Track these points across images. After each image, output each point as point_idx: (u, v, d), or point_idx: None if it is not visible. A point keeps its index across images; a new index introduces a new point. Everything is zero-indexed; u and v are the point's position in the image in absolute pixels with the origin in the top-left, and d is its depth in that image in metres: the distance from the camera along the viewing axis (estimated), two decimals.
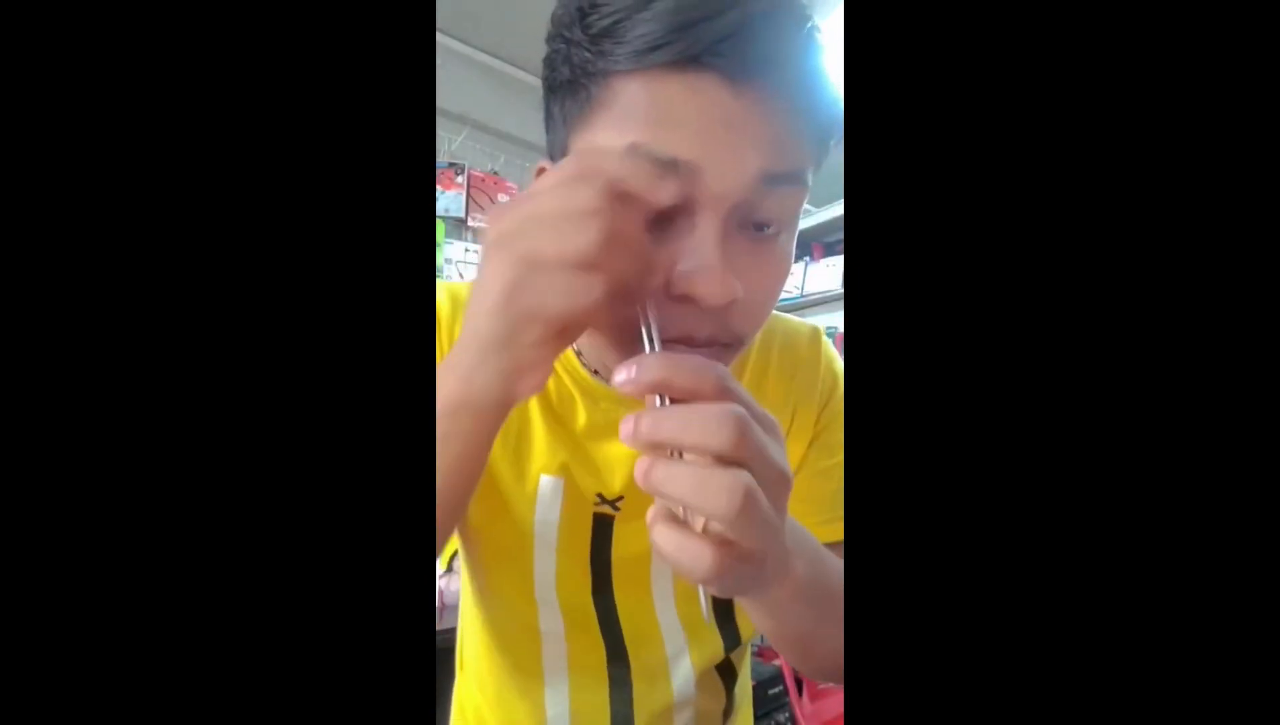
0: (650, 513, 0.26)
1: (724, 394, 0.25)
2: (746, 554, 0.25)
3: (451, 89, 1.87)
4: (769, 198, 0.31)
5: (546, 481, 0.45)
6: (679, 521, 0.25)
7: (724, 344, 0.33)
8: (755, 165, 0.30)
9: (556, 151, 0.35)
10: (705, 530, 0.25)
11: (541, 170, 0.38)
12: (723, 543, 0.24)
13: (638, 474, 0.25)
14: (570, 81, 0.32)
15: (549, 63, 0.34)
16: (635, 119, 0.30)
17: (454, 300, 0.46)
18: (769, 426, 0.26)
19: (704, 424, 0.24)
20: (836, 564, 0.38)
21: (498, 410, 0.29)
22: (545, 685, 0.50)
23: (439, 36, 1.84)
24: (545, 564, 0.47)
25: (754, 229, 0.32)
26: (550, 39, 0.34)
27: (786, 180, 0.31)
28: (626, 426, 0.25)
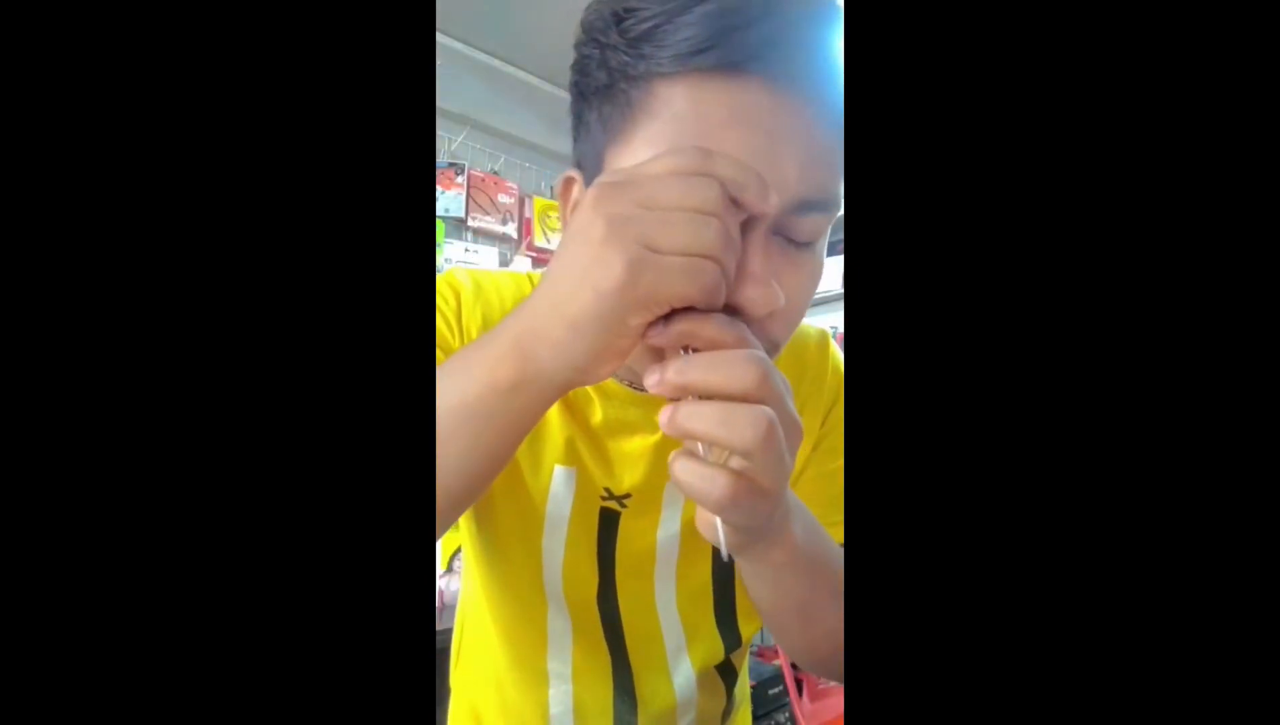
0: (671, 455, 0.27)
1: (747, 345, 0.26)
2: (761, 490, 0.26)
3: (451, 89, 1.87)
4: (802, 223, 0.31)
5: (560, 471, 0.46)
6: (699, 457, 0.27)
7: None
8: (794, 189, 0.30)
9: (589, 160, 0.35)
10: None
11: (570, 180, 0.37)
12: (739, 475, 0.26)
13: (662, 420, 0.26)
14: (608, 86, 0.32)
15: (580, 68, 0.34)
16: (680, 128, 0.29)
17: (476, 284, 0.46)
18: (784, 382, 0.27)
19: (729, 366, 0.25)
20: (830, 541, 0.39)
21: (560, 391, 0.30)
22: (550, 685, 0.51)
23: (439, 36, 1.84)
24: (554, 556, 0.48)
25: (790, 238, 0.32)
26: (581, 44, 0.34)
27: (819, 207, 0.31)
28: (653, 376, 0.26)
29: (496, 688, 0.53)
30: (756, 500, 0.26)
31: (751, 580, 0.37)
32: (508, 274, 0.49)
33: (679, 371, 0.26)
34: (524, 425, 0.31)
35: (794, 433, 0.27)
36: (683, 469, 0.26)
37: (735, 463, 0.26)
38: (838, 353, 0.52)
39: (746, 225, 0.29)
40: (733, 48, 0.28)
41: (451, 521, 0.35)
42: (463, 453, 0.30)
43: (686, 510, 0.48)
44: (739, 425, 0.24)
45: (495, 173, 2.00)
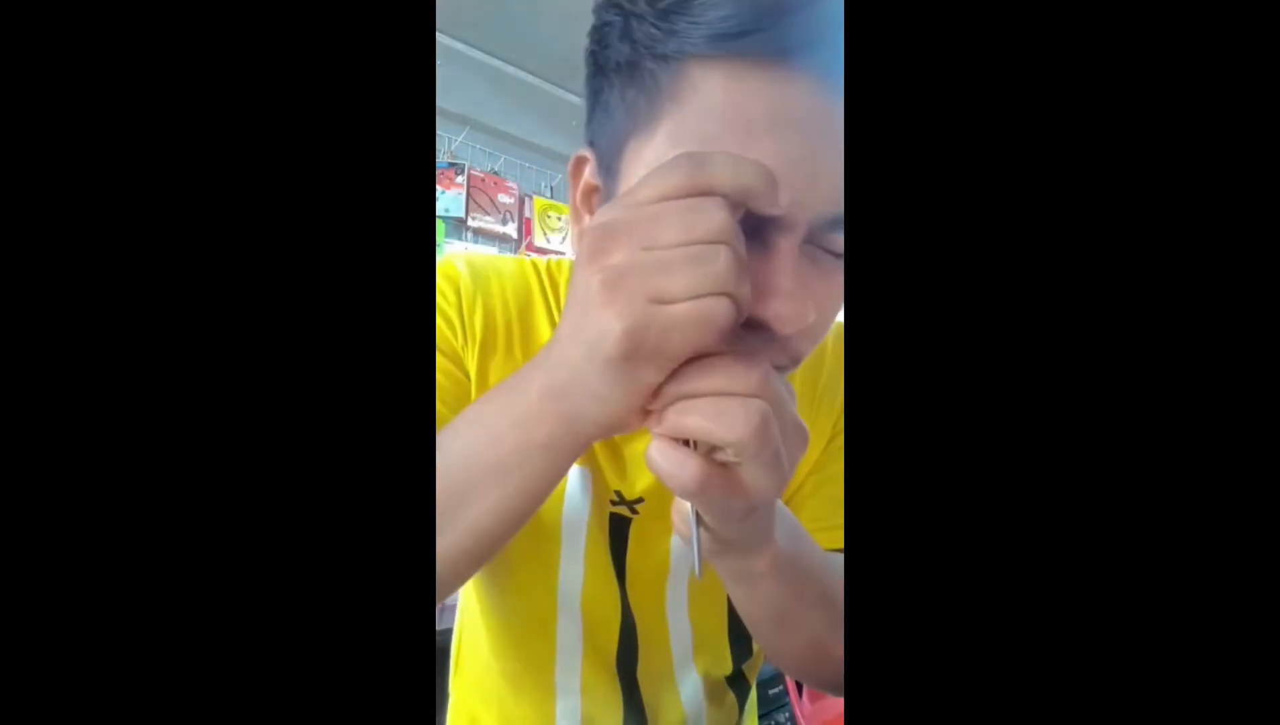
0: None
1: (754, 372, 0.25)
2: (741, 486, 0.25)
3: (451, 89, 1.87)
4: (836, 239, 0.29)
5: (575, 471, 0.44)
6: (676, 442, 0.25)
7: (780, 367, 0.31)
8: (832, 203, 0.27)
9: (607, 145, 0.31)
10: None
11: (581, 160, 0.34)
12: (714, 462, 0.24)
13: (652, 423, 0.25)
14: (631, 64, 0.28)
15: (599, 38, 0.30)
16: (714, 122, 0.26)
17: (473, 272, 0.44)
18: (789, 388, 0.26)
19: (727, 371, 0.24)
20: (817, 551, 0.37)
21: (591, 442, 0.28)
22: (557, 698, 0.49)
23: (439, 36, 1.84)
24: (572, 566, 0.46)
25: (823, 250, 0.30)
26: (601, 9, 0.30)
27: None
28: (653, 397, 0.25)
29: (496, 699, 0.51)
30: (732, 495, 0.25)
31: (730, 584, 0.36)
32: (509, 261, 0.46)
33: (676, 380, 0.24)
34: (555, 479, 0.29)
35: (797, 438, 0.25)
36: (655, 450, 0.25)
37: (728, 454, 0.24)
38: None
39: (777, 235, 0.27)
40: (781, 34, 0.25)
41: (471, 574, 0.33)
42: (491, 510, 0.28)
43: None
44: (731, 416, 0.23)
45: (495, 173, 2.00)
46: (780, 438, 0.24)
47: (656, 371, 0.24)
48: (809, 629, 0.36)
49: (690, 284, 0.22)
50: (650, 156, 0.28)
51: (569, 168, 0.36)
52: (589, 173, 0.34)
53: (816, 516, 0.45)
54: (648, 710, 0.50)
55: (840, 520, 0.45)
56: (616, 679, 0.49)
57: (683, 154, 0.24)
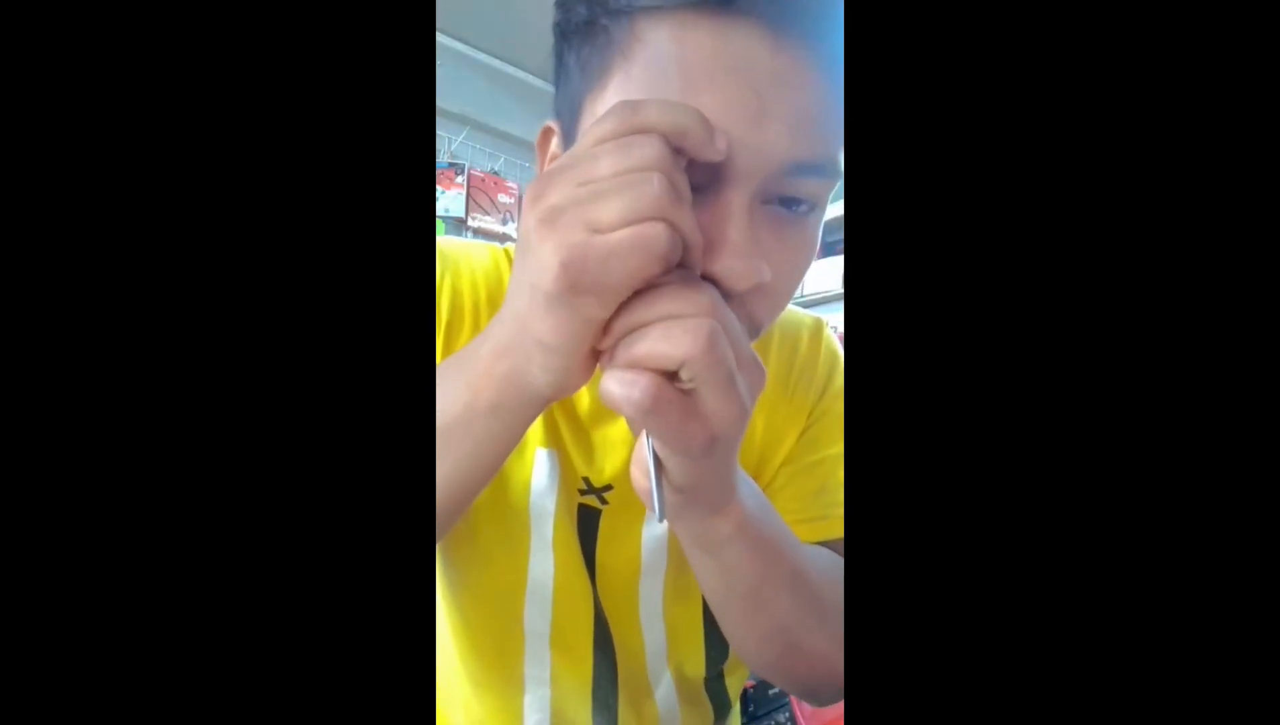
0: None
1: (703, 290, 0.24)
2: (695, 410, 0.24)
3: (451, 89, 1.87)
4: (797, 184, 0.28)
5: (542, 454, 0.44)
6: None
7: None
8: (784, 151, 0.27)
9: (566, 109, 0.32)
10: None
11: (548, 131, 0.35)
12: (666, 381, 0.24)
13: (603, 360, 0.24)
14: (588, 23, 0.29)
15: (562, 4, 0.31)
16: (660, 73, 0.26)
17: (442, 255, 0.44)
18: (741, 328, 0.26)
19: (674, 296, 0.23)
20: (787, 528, 0.36)
21: (543, 405, 0.28)
22: (526, 689, 0.48)
23: (439, 36, 1.84)
24: (541, 554, 0.45)
25: (781, 205, 0.29)
26: None
27: (815, 171, 0.28)
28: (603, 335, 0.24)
29: (461, 698, 0.50)
30: (688, 420, 0.24)
31: (695, 555, 0.34)
32: (482, 247, 0.46)
33: (623, 313, 0.24)
34: (506, 444, 0.29)
35: (753, 370, 0.25)
36: (606, 376, 0.24)
37: (684, 376, 0.24)
38: (832, 342, 0.50)
39: (725, 188, 0.27)
40: None
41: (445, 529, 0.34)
42: (444, 475, 0.29)
43: None
44: (679, 336, 0.23)
45: (495, 173, 2.00)
46: (734, 363, 0.24)
47: (600, 305, 0.23)
48: (777, 613, 0.35)
49: (625, 209, 0.22)
50: (600, 111, 0.28)
51: (536, 140, 0.35)
52: (554, 145, 0.34)
53: (790, 508, 0.44)
54: (620, 706, 0.49)
55: (815, 513, 0.44)
56: (589, 672, 0.48)
57: (619, 102, 0.24)
